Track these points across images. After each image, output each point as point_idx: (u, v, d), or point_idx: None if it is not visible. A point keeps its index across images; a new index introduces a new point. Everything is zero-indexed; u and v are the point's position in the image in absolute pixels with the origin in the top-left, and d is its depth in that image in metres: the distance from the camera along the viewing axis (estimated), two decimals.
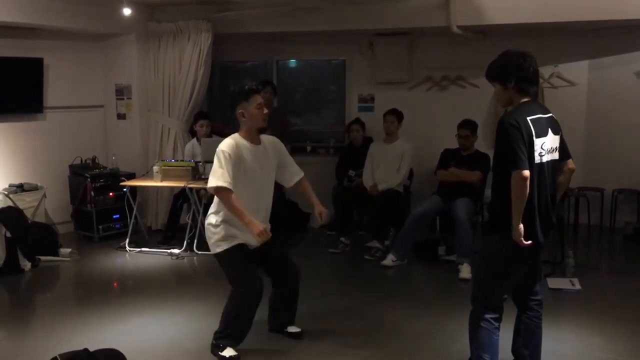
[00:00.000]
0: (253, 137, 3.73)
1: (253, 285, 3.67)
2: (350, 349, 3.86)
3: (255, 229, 3.51)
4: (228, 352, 3.69)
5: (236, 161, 3.60)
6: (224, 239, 3.71)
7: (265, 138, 3.86)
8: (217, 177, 3.54)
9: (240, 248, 3.72)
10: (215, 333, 3.79)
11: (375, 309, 4.60)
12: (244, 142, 3.68)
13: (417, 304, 4.77)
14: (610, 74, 6.80)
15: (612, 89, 6.80)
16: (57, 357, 1.74)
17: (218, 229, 3.72)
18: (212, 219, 3.76)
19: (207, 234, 3.80)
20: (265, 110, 3.71)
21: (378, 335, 4.07)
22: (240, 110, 3.67)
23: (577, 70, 6.88)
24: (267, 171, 3.80)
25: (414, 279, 5.58)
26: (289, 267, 3.92)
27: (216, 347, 3.74)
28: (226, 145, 3.61)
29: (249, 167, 3.66)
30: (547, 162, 3.03)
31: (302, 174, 3.98)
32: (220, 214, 3.71)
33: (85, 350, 1.88)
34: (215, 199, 3.73)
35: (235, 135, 3.72)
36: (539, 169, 2.98)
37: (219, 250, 3.74)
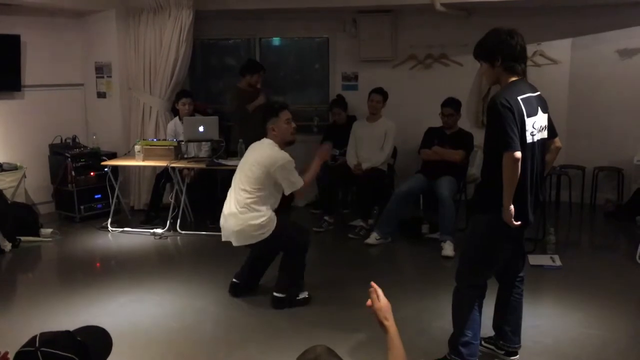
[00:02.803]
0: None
1: (305, 233, 4.23)
2: (333, 328, 3.88)
3: (316, 164, 4.17)
4: (302, 295, 4.18)
5: None
6: (268, 223, 3.98)
7: None
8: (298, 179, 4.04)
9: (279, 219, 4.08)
10: (281, 288, 4.12)
11: (358, 288, 4.59)
12: None
13: (401, 281, 4.80)
14: (593, 53, 6.81)
15: (594, 68, 6.82)
16: (37, 336, 1.72)
17: (265, 222, 3.97)
18: (258, 220, 3.95)
19: (250, 233, 3.98)
20: (294, 125, 4.12)
21: (361, 314, 4.06)
22: (270, 126, 4.06)
23: (560, 49, 6.88)
24: None
25: (397, 257, 5.61)
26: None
27: (290, 297, 4.12)
28: (287, 155, 4.03)
29: None
30: (538, 141, 3.01)
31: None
32: (266, 209, 3.99)
33: (67, 332, 1.85)
34: (255, 199, 3.97)
35: (276, 148, 4.08)
36: (531, 149, 2.96)
37: (268, 233, 3.98)
